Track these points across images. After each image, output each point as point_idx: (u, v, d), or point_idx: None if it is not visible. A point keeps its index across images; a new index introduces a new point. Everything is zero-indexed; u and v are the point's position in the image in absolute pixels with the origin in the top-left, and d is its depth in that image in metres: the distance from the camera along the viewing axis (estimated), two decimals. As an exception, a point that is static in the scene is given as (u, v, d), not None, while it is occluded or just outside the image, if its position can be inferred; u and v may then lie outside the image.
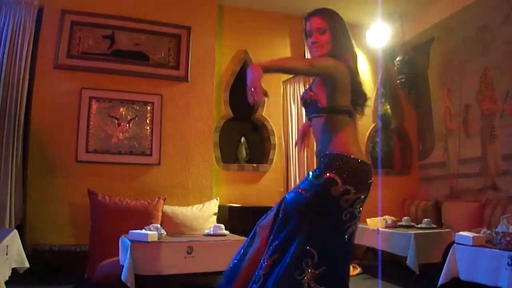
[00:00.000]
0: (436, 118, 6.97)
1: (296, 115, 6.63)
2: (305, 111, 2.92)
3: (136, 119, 5.71)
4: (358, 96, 2.70)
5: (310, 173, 2.56)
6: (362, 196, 2.51)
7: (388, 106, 7.72)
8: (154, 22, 5.89)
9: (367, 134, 7.16)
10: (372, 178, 2.61)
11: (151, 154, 5.72)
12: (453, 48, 6.58)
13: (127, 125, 5.67)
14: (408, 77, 7.15)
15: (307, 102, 2.74)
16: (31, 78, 5.29)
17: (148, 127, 5.76)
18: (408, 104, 7.52)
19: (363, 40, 7.01)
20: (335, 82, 2.58)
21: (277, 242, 2.48)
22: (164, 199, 5.30)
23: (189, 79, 5.98)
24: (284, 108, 6.71)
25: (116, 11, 5.74)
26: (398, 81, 7.24)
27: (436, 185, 6.84)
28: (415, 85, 7.25)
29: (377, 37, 6.90)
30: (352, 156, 2.50)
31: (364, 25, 6.97)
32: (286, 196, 2.61)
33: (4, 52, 5.11)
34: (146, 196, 5.37)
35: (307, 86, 2.85)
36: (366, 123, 7.11)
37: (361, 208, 2.57)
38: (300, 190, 2.53)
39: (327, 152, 2.55)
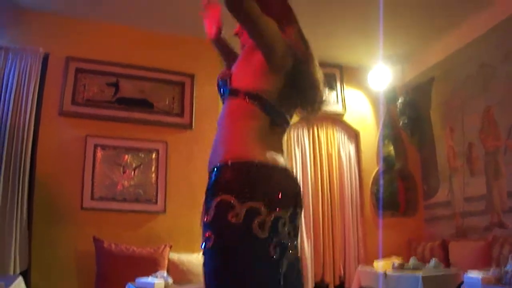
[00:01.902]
0: (440, 157, 6.96)
1: (301, 160, 6.66)
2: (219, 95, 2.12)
3: (141, 166, 5.73)
4: (309, 87, 2.02)
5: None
6: (287, 215, 1.78)
7: (392, 148, 7.74)
8: (158, 70, 5.98)
9: (372, 177, 7.14)
10: (298, 187, 1.92)
11: (156, 202, 5.69)
12: (454, 87, 6.62)
13: (132, 173, 5.67)
14: (411, 119, 7.19)
15: (219, 84, 2.08)
16: (36, 124, 5.34)
17: (153, 175, 5.76)
18: (412, 145, 7.53)
19: (365, 82, 7.11)
20: (271, 57, 1.89)
21: None
22: (170, 246, 5.26)
23: (193, 127, 6.02)
24: (288, 153, 6.63)
25: (120, 58, 5.84)
26: (401, 123, 7.28)
27: (442, 224, 6.77)
28: (418, 127, 7.28)
29: (378, 79, 6.98)
30: (249, 160, 1.77)
31: (365, 67, 7.08)
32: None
33: (10, 98, 5.16)
34: (152, 244, 5.33)
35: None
36: (370, 166, 7.12)
37: (294, 234, 1.85)
38: (203, 249, 1.87)
39: (217, 165, 1.84)
